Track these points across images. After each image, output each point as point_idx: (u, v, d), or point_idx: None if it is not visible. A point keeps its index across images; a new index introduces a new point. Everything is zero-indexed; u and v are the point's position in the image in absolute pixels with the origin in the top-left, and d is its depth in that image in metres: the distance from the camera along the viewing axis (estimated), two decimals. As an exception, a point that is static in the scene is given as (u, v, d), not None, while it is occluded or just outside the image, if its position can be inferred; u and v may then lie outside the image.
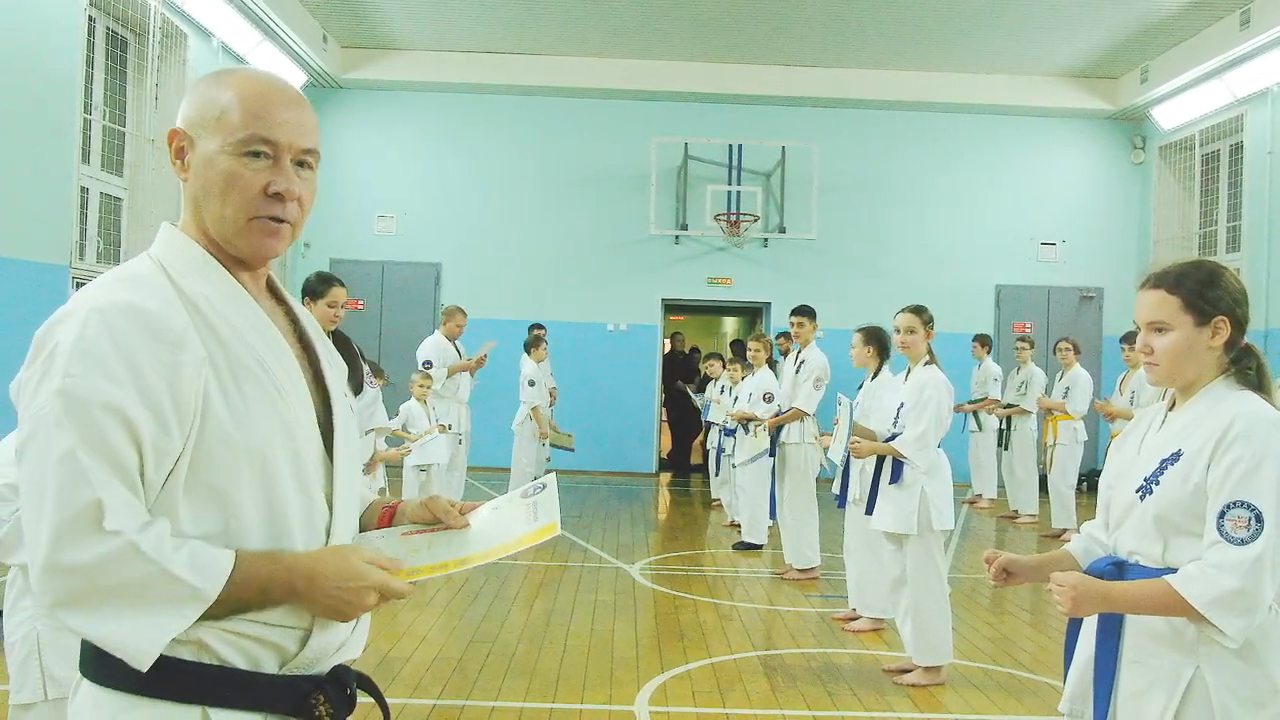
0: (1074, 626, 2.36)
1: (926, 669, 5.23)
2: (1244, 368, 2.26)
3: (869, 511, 5.64)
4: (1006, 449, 11.29)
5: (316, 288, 5.28)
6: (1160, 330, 2.26)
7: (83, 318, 1.40)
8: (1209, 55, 11.81)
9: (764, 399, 8.32)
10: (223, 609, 1.41)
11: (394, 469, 8.87)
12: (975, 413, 11.64)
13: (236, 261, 1.57)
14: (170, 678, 1.41)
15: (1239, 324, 2.25)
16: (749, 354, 8.95)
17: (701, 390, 12.49)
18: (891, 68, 13.59)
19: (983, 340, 11.91)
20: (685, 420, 15.17)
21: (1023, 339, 11.52)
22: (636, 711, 4.69)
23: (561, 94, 13.95)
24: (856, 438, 5.65)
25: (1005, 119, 14.19)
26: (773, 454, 8.18)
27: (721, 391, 10.44)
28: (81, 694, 1.48)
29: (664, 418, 15.28)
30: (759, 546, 8.75)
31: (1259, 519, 2.06)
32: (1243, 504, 2.08)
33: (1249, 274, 11.83)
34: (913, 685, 5.18)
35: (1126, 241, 14.24)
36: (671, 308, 15.07)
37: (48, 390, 1.37)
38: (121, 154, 10.01)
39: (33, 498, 1.36)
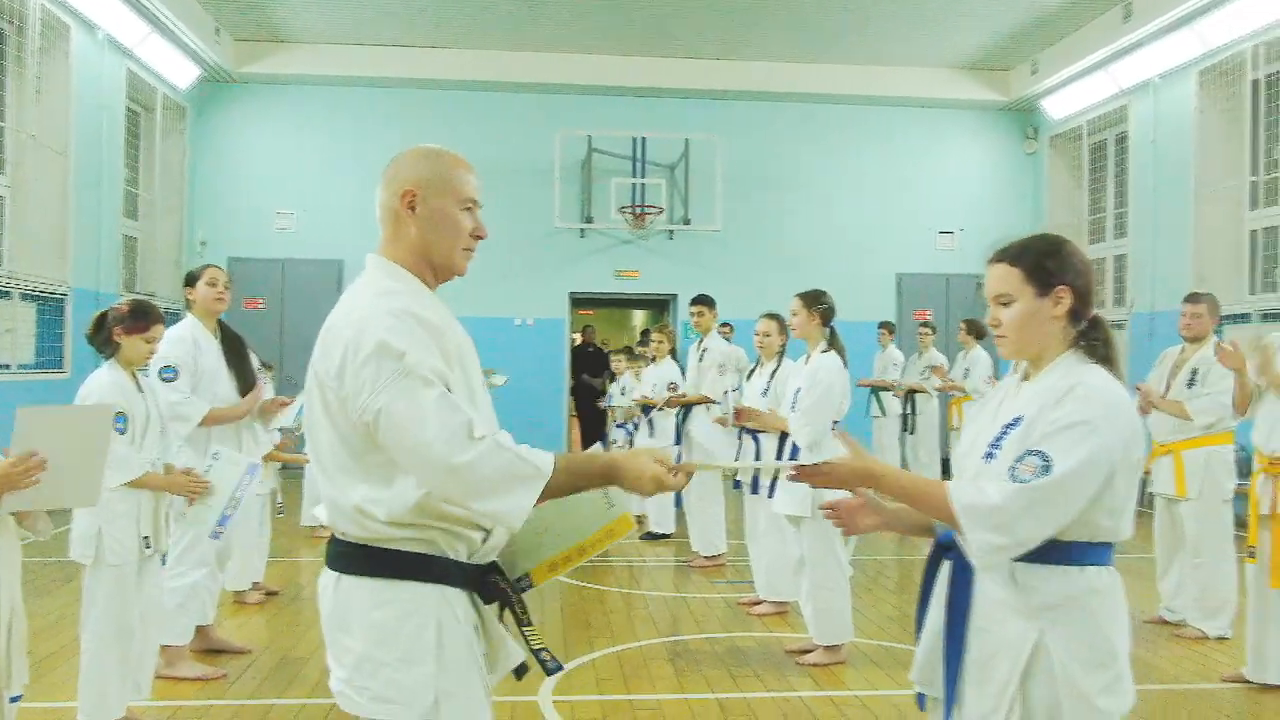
0: (925, 596, 2.39)
1: (827, 648, 5.32)
2: (1092, 340, 2.30)
3: (770, 495, 5.72)
4: (911, 433, 11.52)
5: (194, 274, 5.36)
6: (1005, 303, 2.30)
7: (388, 323, 2.12)
8: (1094, 48, 12.19)
9: (668, 388, 8.35)
10: (558, 486, 2.03)
11: (293, 471, 8.71)
12: (878, 398, 11.83)
13: (432, 276, 2.36)
14: (414, 565, 2.07)
15: (1081, 295, 2.28)
16: (651, 345, 8.94)
17: (612, 380, 12.41)
18: (792, 60, 13.74)
19: (889, 328, 12.14)
20: (593, 414, 15.14)
21: (925, 325, 11.78)
22: (540, 702, 4.67)
23: (463, 87, 13.80)
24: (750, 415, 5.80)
25: (903, 110, 14.46)
26: (679, 442, 8.23)
27: (622, 393, 10.11)
28: (345, 585, 2.14)
29: (573, 412, 15.24)
30: (666, 535, 8.79)
31: (1047, 469, 2.09)
32: (1038, 453, 2.11)
33: (1134, 259, 12.27)
34: (814, 665, 5.26)
35: (1021, 229, 14.49)
36: (579, 301, 15.02)
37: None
38: (1, 151, 9.62)
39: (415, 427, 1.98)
